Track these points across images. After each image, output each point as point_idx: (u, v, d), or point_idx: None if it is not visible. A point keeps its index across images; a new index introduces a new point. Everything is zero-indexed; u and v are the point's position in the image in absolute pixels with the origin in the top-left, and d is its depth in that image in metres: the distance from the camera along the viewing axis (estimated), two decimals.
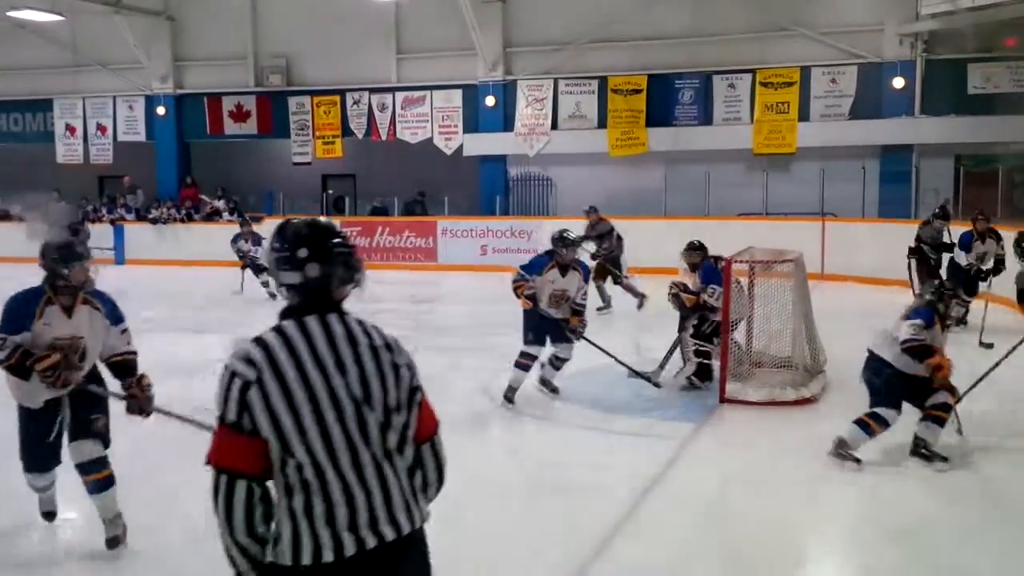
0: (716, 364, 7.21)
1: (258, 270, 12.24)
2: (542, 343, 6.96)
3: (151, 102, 20.20)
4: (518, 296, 6.84)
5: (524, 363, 6.93)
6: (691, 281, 7.43)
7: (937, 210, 10.69)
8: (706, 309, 7.26)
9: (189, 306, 12.41)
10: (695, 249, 7.55)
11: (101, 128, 20.64)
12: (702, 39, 16.35)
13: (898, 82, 15.44)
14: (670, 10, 16.43)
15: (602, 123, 17.22)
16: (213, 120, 19.87)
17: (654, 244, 14.85)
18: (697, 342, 7.34)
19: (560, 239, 6.88)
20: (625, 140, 17.06)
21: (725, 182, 16.22)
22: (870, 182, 15.69)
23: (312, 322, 2.14)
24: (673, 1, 16.40)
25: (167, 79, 19.99)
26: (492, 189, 17.98)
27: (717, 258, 7.39)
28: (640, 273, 12.62)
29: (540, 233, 16.53)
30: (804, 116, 16.09)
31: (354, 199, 19.90)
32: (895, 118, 15.50)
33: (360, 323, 2.20)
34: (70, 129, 20.83)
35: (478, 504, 4.89)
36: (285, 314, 2.17)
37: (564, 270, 6.88)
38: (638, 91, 16.98)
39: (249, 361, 2.08)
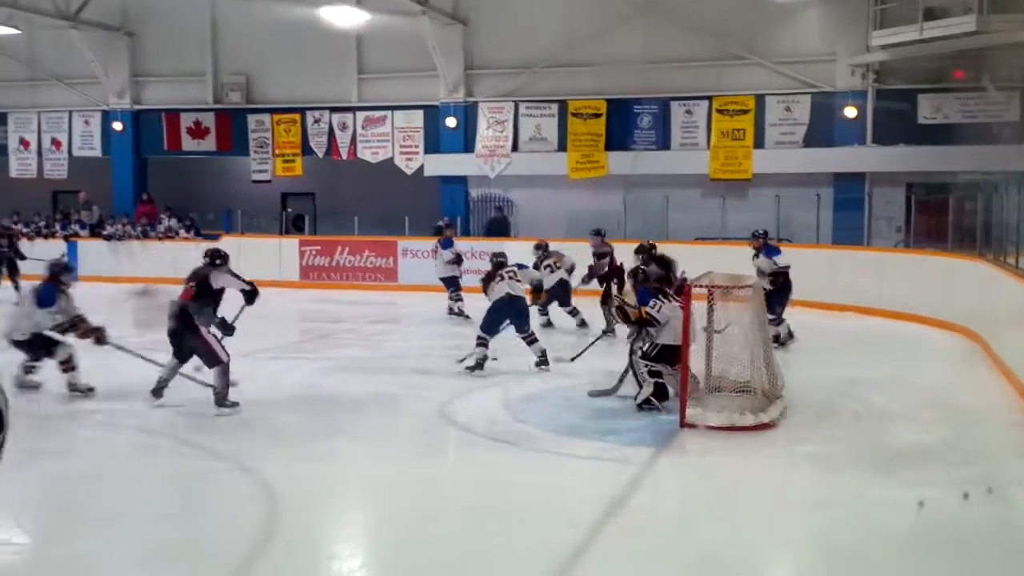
0: (670, 382, 7.31)
1: None
2: None
3: (108, 117, 19.93)
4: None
5: None
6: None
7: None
8: (650, 325, 7.40)
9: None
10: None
11: (56, 143, 20.31)
12: (660, 65, 16.59)
13: (850, 111, 15.80)
14: (629, 36, 16.65)
15: (562, 146, 17.35)
16: (171, 136, 19.64)
17: None
18: (648, 363, 7.40)
19: None
20: (585, 163, 17.21)
21: (683, 206, 16.41)
22: (824, 208, 16.00)
23: None
24: (632, 27, 16.64)
25: (124, 94, 19.74)
26: (453, 210, 17.99)
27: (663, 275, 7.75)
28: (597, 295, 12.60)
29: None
30: (759, 143, 16.37)
31: (314, 218, 19.76)
32: (847, 146, 15.86)
33: None
34: (24, 143, 20.45)
35: (434, 528, 4.86)
36: None
37: None
38: (598, 115, 17.16)
39: None
